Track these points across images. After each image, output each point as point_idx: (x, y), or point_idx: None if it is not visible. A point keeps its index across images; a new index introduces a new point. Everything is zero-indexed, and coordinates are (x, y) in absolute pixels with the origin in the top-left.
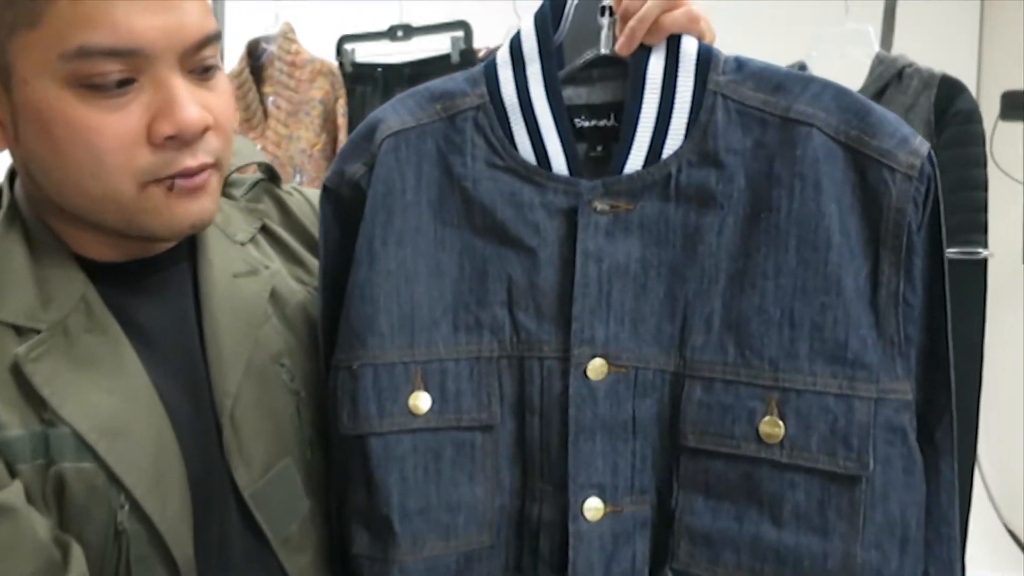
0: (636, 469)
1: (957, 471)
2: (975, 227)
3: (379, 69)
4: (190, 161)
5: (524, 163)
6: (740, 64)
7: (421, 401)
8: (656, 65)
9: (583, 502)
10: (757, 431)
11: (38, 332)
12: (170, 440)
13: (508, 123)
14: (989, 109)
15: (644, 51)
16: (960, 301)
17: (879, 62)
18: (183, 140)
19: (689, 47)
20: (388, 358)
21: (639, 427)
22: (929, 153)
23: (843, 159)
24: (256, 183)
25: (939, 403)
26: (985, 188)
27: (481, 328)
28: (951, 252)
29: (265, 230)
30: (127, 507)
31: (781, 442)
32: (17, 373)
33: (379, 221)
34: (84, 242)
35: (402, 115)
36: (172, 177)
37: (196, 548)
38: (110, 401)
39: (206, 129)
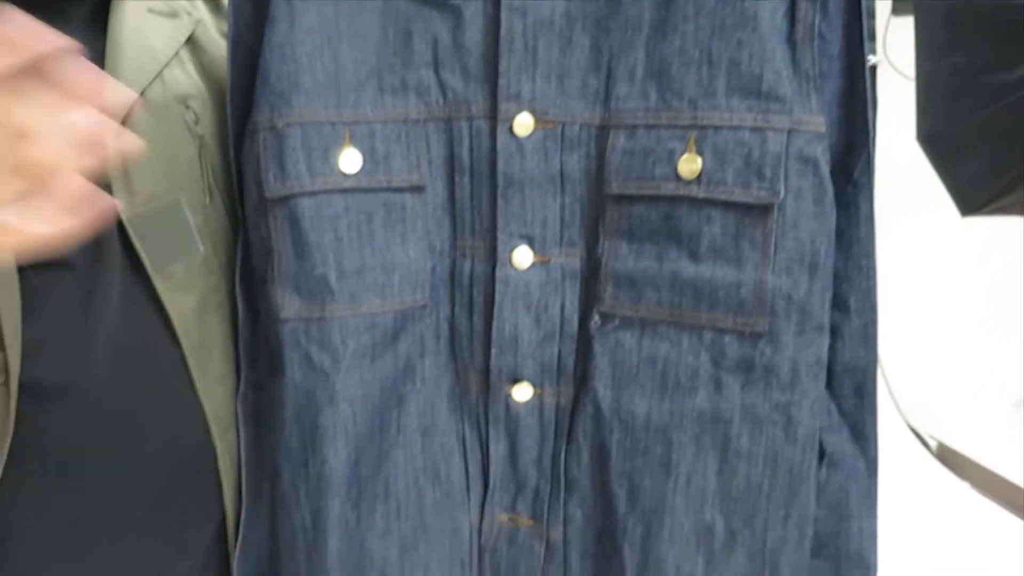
0: (565, 222)
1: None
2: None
3: None
4: None
5: None
6: None
7: (351, 159)
8: None
9: (511, 251)
10: (676, 170)
11: None
12: None
13: None
14: (883, 6)
15: None
16: None
17: None
18: None
19: None
20: (315, 117)
21: (567, 181)
22: None
23: None
24: None
25: (858, 142)
26: None
27: (407, 90)
28: None
29: None
30: None
31: (699, 177)
32: None
33: None
34: None
35: None
36: None
37: (70, 278)
38: None
39: None
